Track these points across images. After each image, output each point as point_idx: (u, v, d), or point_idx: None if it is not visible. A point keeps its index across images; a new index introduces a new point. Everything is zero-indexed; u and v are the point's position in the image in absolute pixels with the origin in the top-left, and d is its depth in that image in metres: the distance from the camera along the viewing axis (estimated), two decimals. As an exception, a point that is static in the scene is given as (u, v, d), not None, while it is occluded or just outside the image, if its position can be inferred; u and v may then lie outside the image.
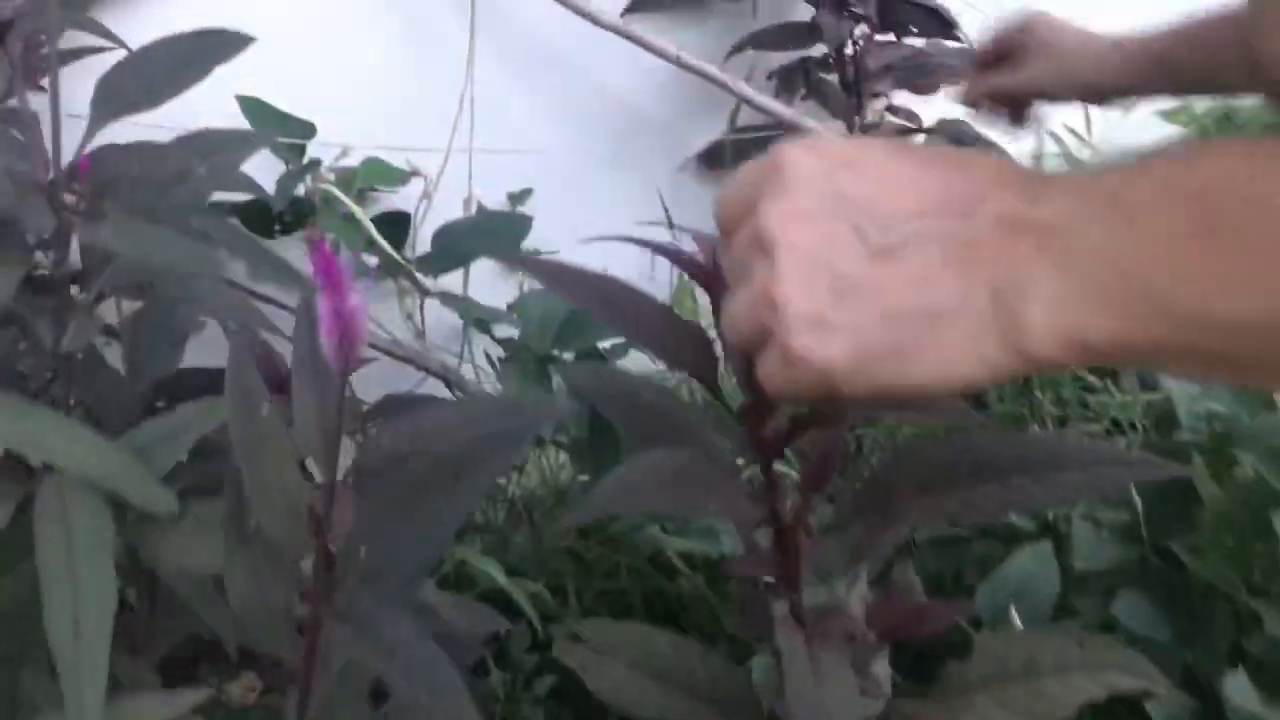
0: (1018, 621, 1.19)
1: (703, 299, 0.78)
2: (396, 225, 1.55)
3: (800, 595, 0.83)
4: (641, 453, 0.72)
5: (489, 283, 1.65)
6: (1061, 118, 2.33)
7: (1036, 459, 0.77)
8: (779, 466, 0.80)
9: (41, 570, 0.51)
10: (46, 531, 0.51)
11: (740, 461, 0.84)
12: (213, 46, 0.61)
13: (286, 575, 0.48)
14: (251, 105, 1.43)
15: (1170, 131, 2.47)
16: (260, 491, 0.47)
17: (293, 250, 1.50)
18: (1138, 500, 1.25)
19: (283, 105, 1.45)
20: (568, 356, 1.46)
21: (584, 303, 0.80)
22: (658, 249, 0.80)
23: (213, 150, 0.64)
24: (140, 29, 1.33)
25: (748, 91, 1.68)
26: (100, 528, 0.51)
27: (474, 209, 1.58)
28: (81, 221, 0.60)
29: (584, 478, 1.54)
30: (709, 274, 0.77)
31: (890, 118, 1.90)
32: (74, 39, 1.22)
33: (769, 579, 0.83)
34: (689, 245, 1.90)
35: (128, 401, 0.70)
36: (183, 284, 1.19)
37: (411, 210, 1.56)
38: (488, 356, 1.60)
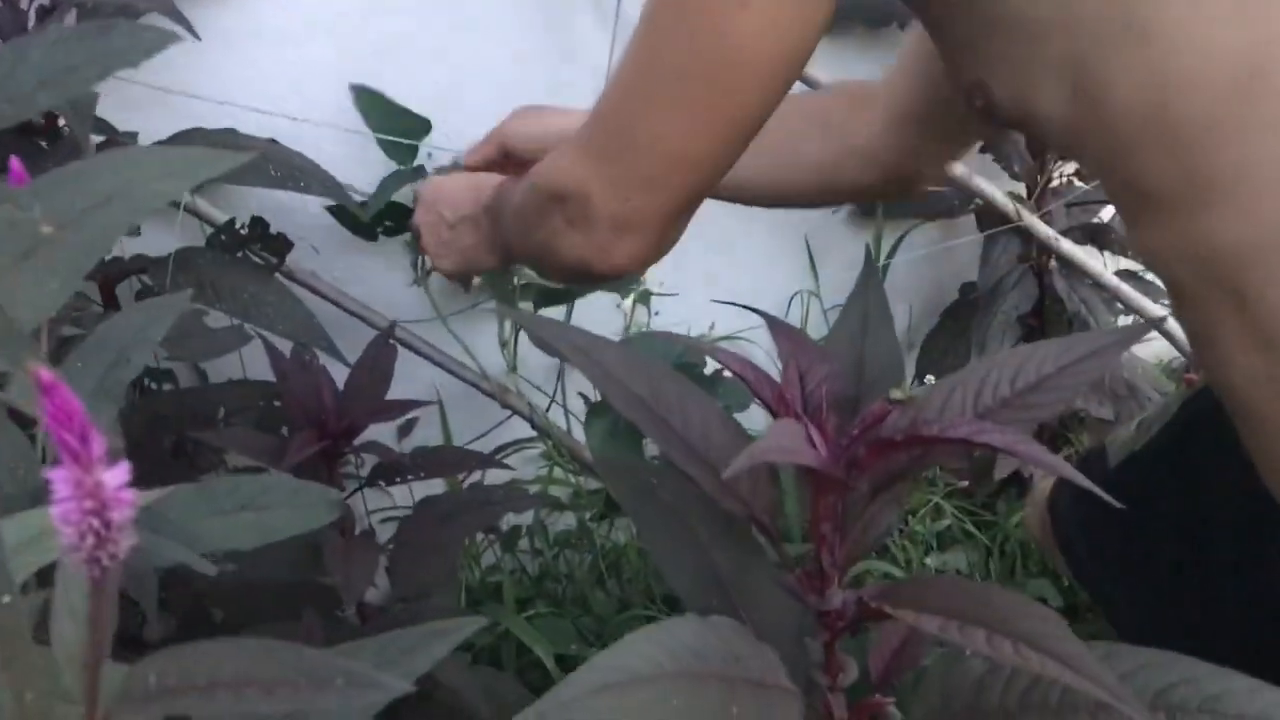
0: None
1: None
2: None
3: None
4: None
5: (597, 314, 1.50)
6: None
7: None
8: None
9: None
10: None
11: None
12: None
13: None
14: (365, 97, 1.31)
15: None
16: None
17: (393, 255, 1.39)
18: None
19: (401, 97, 1.33)
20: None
21: (610, 394, 0.63)
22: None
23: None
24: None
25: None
26: None
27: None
28: None
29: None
30: (776, 398, 0.59)
31: (1079, 183, 1.68)
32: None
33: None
34: (830, 295, 1.74)
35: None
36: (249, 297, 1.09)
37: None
38: (583, 398, 1.45)
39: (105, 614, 0.31)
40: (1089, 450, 1.02)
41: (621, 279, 0.85)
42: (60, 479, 0.29)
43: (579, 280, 0.85)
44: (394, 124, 1.32)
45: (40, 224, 0.38)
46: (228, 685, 0.29)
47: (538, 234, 0.83)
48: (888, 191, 1.06)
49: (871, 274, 0.71)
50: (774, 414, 0.60)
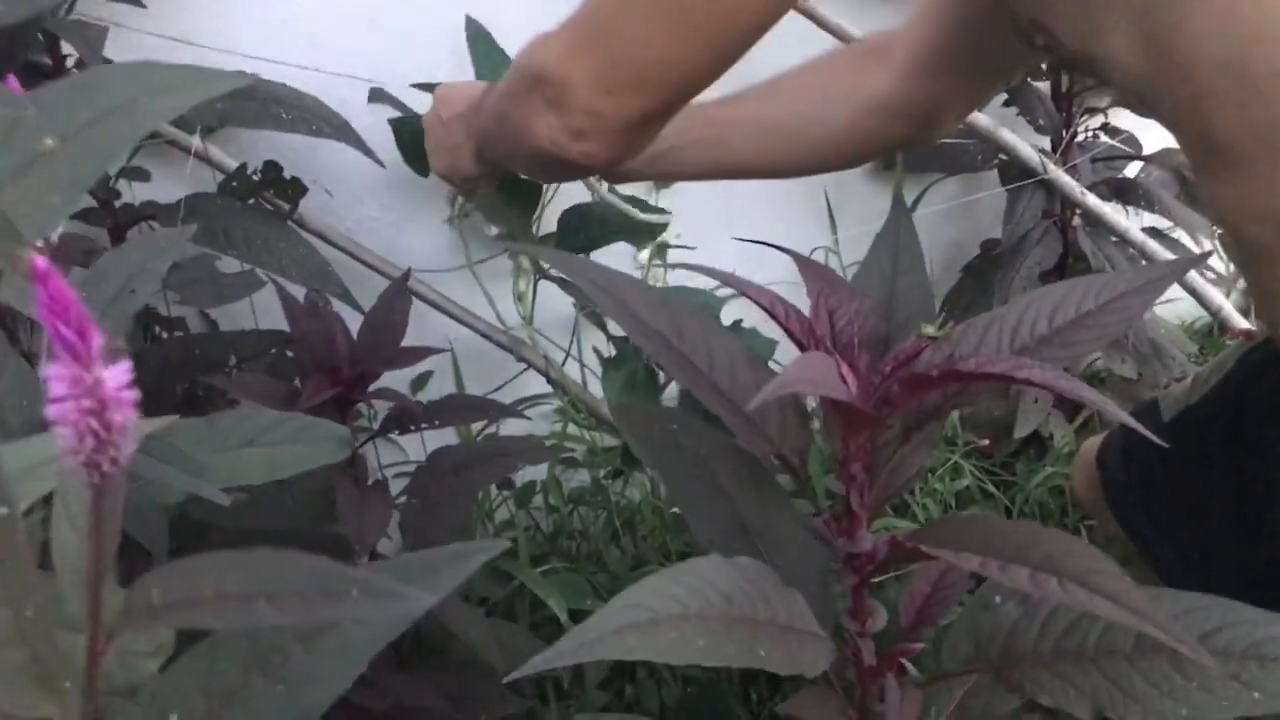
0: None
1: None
2: (526, 196, 1.39)
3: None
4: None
5: (613, 265, 1.47)
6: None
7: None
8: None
9: None
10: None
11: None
12: None
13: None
14: (478, 34, 1.28)
15: None
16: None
17: (409, 205, 1.37)
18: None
19: (416, 42, 1.31)
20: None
21: (633, 331, 0.61)
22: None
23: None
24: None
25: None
26: None
27: (604, 191, 1.40)
28: None
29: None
30: (804, 332, 0.57)
31: (1105, 138, 1.65)
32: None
33: None
34: (849, 251, 1.71)
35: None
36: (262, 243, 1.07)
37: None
38: (596, 353, 1.43)
39: (107, 525, 0.29)
40: (1140, 405, 1.00)
41: (587, 171, 0.84)
42: (57, 376, 0.27)
43: (550, 168, 0.86)
44: (494, 68, 1.29)
45: (43, 138, 0.36)
46: (235, 598, 0.27)
47: (517, 114, 0.84)
48: (916, 139, 1.03)
49: (902, 213, 0.68)
50: (803, 350, 0.57)
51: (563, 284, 1.35)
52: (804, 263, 0.65)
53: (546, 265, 1.36)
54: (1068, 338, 0.58)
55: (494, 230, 1.41)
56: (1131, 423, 0.51)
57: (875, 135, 1.02)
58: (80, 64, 1.09)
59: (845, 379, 0.54)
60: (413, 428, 1.03)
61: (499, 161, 1.03)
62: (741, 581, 0.54)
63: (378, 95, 1.24)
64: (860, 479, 0.57)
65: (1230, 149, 0.63)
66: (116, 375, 0.27)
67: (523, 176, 1.28)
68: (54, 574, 0.33)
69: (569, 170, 0.84)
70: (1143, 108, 0.71)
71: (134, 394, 0.28)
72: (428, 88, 1.21)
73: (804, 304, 0.66)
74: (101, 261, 0.59)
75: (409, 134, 1.24)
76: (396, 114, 1.25)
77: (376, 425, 1.13)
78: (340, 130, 1.11)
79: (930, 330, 0.57)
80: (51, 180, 0.44)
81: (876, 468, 0.59)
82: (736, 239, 0.85)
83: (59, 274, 0.26)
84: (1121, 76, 0.67)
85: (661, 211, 1.39)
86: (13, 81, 0.49)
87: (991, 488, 1.64)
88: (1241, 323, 1.59)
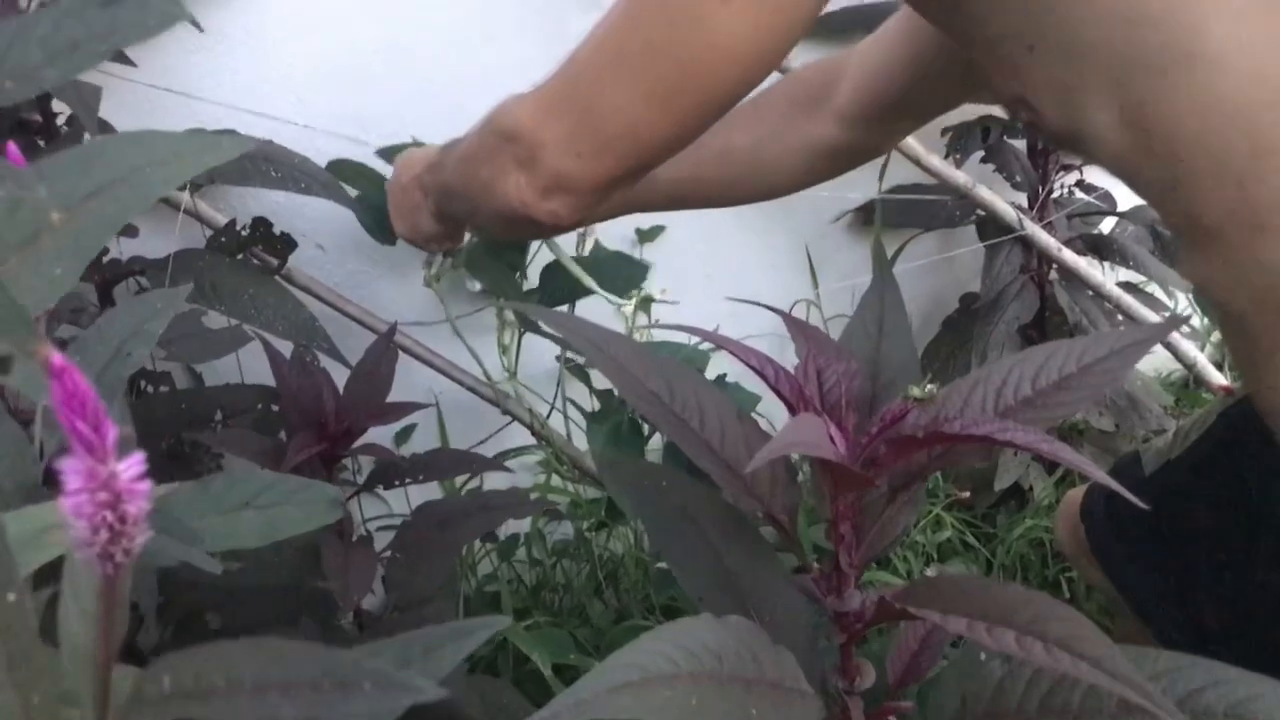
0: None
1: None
2: (512, 251, 1.40)
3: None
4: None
5: (598, 320, 1.48)
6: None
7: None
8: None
9: None
10: None
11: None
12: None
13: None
14: None
15: None
16: None
17: (394, 259, 1.38)
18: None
19: (399, 102, 1.32)
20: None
21: (624, 389, 0.62)
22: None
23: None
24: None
25: (917, 150, 1.48)
26: None
27: (589, 245, 1.42)
28: None
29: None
30: (793, 392, 0.58)
31: (1080, 195, 1.68)
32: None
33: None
34: (830, 304, 1.73)
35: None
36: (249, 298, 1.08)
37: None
38: (577, 406, 1.44)
39: (117, 613, 0.29)
40: (1122, 458, 1.01)
41: (552, 231, 0.85)
42: (72, 470, 0.27)
43: (514, 226, 0.85)
44: None
45: (49, 211, 0.37)
46: (248, 688, 0.27)
47: (483, 171, 0.84)
48: (862, 163, 1.08)
49: (886, 275, 0.70)
50: (791, 410, 0.58)
51: (550, 336, 1.37)
52: (792, 323, 0.66)
53: (532, 317, 1.37)
54: (1050, 399, 0.59)
55: (477, 286, 1.42)
56: (1113, 484, 0.52)
57: (827, 171, 1.07)
58: (71, 120, 1.10)
59: (834, 439, 0.55)
60: (397, 482, 1.03)
61: (459, 219, 1.04)
62: (732, 640, 0.55)
63: (336, 169, 1.23)
64: (849, 538, 0.58)
65: (1213, 224, 0.65)
66: (130, 468, 0.28)
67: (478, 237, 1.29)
68: (57, 651, 0.33)
69: (533, 229, 0.83)
70: (1128, 184, 0.72)
71: (147, 486, 0.28)
72: (389, 153, 1.22)
73: (787, 355, 0.67)
74: (97, 323, 0.59)
75: (368, 211, 1.24)
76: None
77: (361, 479, 1.13)
78: (329, 188, 1.12)
79: (916, 391, 0.58)
80: (55, 252, 0.45)
81: (864, 527, 0.59)
82: (727, 299, 0.86)
83: (75, 368, 0.27)
84: (1105, 154, 0.68)
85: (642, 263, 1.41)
86: (13, 150, 0.49)
87: (972, 539, 1.65)
88: (1216, 376, 1.61)
